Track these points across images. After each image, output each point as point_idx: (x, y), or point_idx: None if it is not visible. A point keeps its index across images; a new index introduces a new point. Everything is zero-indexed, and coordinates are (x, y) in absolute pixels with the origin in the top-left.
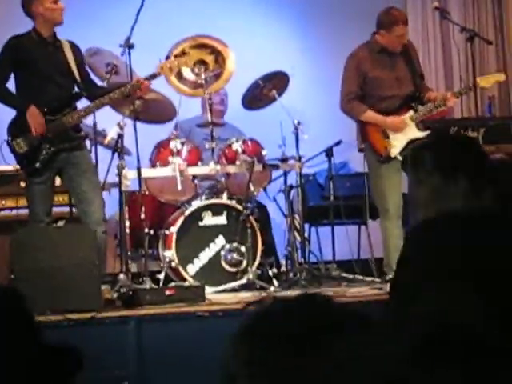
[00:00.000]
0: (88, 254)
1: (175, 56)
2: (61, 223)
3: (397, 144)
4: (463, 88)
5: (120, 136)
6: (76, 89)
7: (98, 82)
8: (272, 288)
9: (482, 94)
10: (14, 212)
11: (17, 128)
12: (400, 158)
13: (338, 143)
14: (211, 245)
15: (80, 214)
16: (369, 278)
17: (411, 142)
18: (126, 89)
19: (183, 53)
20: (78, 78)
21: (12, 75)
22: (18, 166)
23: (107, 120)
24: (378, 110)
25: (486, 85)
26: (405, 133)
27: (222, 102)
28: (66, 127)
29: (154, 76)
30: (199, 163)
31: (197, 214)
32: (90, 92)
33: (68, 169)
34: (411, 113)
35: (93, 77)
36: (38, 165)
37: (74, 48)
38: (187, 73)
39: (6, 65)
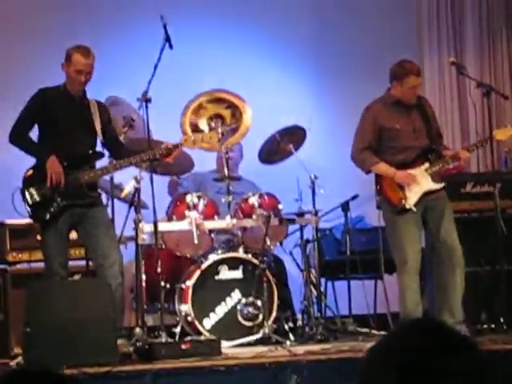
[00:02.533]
0: (104, 307)
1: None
2: (77, 277)
3: (412, 196)
4: (477, 142)
5: (137, 190)
6: (98, 148)
7: None
8: (288, 342)
9: (498, 148)
10: (29, 266)
11: (33, 177)
12: (414, 209)
13: (355, 197)
14: (227, 299)
15: (97, 268)
16: (385, 333)
17: (427, 193)
18: (152, 154)
19: (200, 108)
20: (101, 136)
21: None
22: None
23: (124, 173)
24: (396, 161)
25: (503, 138)
26: (420, 184)
27: (238, 156)
28: (81, 184)
29: (176, 146)
30: (216, 217)
31: (213, 268)
32: (112, 153)
33: (84, 223)
34: (427, 165)
35: None
36: (47, 216)
37: (101, 108)
38: (204, 126)
39: (31, 115)
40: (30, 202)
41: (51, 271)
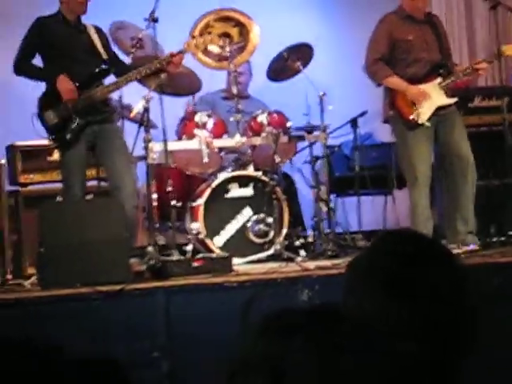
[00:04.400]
0: (116, 227)
1: (201, 33)
2: (89, 197)
3: (425, 111)
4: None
5: (146, 109)
6: (103, 66)
7: (124, 57)
8: (299, 258)
9: (506, 63)
10: (42, 186)
11: (47, 101)
12: (428, 124)
13: (363, 114)
14: (238, 216)
15: (112, 188)
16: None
17: (439, 108)
18: (157, 63)
19: (208, 27)
20: (104, 56)
21: (39, 57)
22: (44, 141)
23: (133, 94)
24: (408, 74)
25: (511, 53)
26: (433, 100)
27: (247, 75)
28: (95, 101)
29: (180, 53)
30: (225, 136)
31: (223, 186)
32: (118, 69)
33: (101, 144)
34: (439, 79)
35: (117, 51)
36: (68, 136)
37: (99, 31)
38: (211, 46)
39: (32, 43)
40: (49, 124)
41: (71, 192)
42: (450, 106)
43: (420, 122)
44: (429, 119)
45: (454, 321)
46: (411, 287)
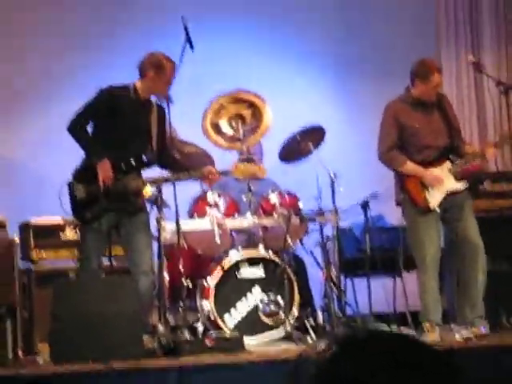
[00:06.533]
0: (130, 303)
1: (215, 114)
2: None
3: (436, 195)
4: (501, 138)
5: (159, 189)
6: (149, 155)
7: None
8: (309, 340)
9: None
10: (54, 264)
11: (83, 174)
12: (438, 210)
13: (375, 196)
14: (248, 296)
15: (130, 264)
16: (405, 330)
17: (450, 194)
18: (196, 174)
19: (222, 108)
20: (154, 144)
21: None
22: (57, 218)
23: (147, 173)
24: (415, 161)
25: None
26: (444, 185)
27: (258, 155)
28: (128, 191)
29: (226, 173)
30: (236, 215)
31: (235, 266)
32: (162, 161)
33: (125, 224)
34: (449, 164)
35: None
36: (88, 215)
37: (160, 111)
38: (225, 126)
39: (95, 113)
40: (76, 196)
41: (88, 265)
42: (460, 191)
43: (431, 207)
44: (440, 204)
45: None
46: None
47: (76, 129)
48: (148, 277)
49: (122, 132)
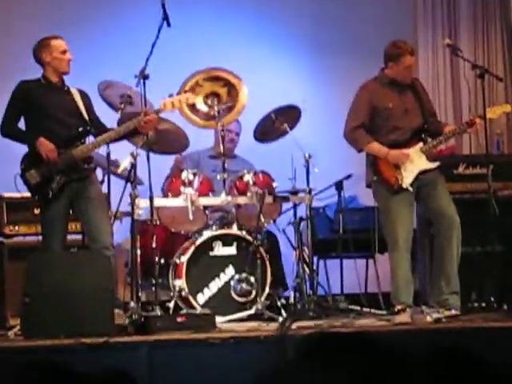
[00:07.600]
0: (101, 279)
1: (185, 91)
2: (73, 250)
3: (408, 175)
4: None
5: (133, 166)
6: (83, 125)
7: (113, 113)
8: (280, 319)
9: (491, 131)
10: (27, 238)
11: (29, 161)
12: (411, 189)
13: (348, 177)
14: (221, 275)
15: (88, 240)
16: (376, 311)
17: (422, 172)
18: (131, 123)
19: (197, 86)
20: (86, 118)
21: (22, 119)
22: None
23: (120, 150)
24: (388, 141)
25: (493, 116)
26: (416, 164)
27: (235, 134)
28: (76, 159)
29: (157, 112)
30: (210, 194)
31: (207, 244)
32: (98, 130)
33: (79, 201)
34: (421, 144)
35: (108, 109)
36: (50, 194)
37: (82, 94)
38: (200, 104)
39: (16, 107)
40: (31, 183)
41: (48, 248)
42: (432, 170)
43: (404, 186)
44: (412, 184)
45: None
46: None
47: (7, 129)
48: (107, 251)
49: (50, 113)
